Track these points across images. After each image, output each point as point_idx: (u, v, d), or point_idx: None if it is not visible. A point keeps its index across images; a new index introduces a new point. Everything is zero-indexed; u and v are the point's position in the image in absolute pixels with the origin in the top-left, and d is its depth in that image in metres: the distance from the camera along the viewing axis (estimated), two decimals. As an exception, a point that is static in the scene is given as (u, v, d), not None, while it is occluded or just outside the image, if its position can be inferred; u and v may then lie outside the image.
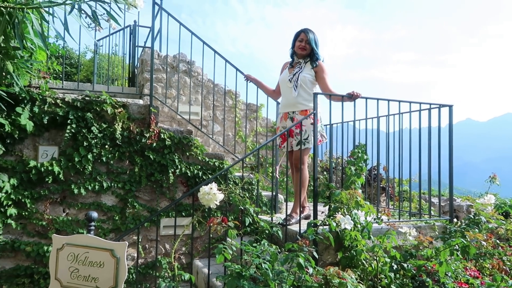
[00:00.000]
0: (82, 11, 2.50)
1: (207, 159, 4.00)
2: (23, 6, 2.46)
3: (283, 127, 3.54)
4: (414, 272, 2.69)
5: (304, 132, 3.32)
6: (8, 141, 3.38)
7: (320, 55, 3.47)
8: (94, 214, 2.22)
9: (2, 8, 2.40)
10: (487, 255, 3.13)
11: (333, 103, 3.33)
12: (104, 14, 2.61)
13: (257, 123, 5.47)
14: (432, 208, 4.30)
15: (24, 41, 2.71)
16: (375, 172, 5.57)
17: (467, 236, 2.77)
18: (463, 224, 3.29)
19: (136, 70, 6.06)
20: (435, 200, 6.17)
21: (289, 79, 3.45)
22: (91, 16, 2.55)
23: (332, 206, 2.83)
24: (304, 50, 3.44)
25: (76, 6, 2.43)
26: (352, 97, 3.26)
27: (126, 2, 2.50)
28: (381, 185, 5.68)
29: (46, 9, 2.54)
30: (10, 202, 3.34)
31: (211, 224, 2.30)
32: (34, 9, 2.54)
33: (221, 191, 2.56)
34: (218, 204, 2.52)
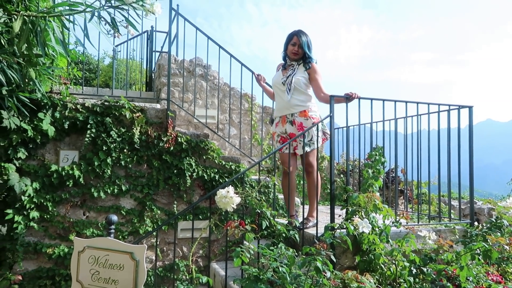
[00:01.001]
0: (102, 18, 2.56)
1: (223, 163, 4.02)
2: (45, 15, 2.54)
3: (280, 132, 3.47)
4: (434, 276, 2.64)
5: (307, 133, 3.28)
6: (31, 146, 3.47)
7: (313, 58, 3.40)
8: (114, 218, 2.26)
9: (25, 17, 2.47)
10: (510, 260, 3.04)
11: (342, 105, 3.29)
12: (122, 20, 2.67)
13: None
14: (452, 211, 4.21)
15: (46, 48, 2.79)
16: (393, 174, 5.50)
17: (489, 240, 2.70)
18: (485, 227, 3.22)
19: (153, 75, 6.15)
20: (455, 203, 6.04)
21: (282, 82, 3.39)
22: (110, 23, 2.61)
23: (350, 209, 2.80)
24: (297, 54, 3.38)
25: (96, 14, 2.50)
26: (349, 98, 3.18)
27: (144, 9, 2.54)
28: (399, 188, 5.60)
29: (67, 16, 2.61)
30: (32, 205, 3.43)
31: (229, 228, 2.31)
32: (55, 17, 2.61)
33: (238, 195, 2.57)
34: (235, 207, 2.53)
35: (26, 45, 2.62)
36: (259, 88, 4.12)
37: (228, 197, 2.51)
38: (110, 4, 2.53)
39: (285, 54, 3.49)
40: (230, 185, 2.60)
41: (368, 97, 3.35)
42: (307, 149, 3.28)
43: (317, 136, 3.27)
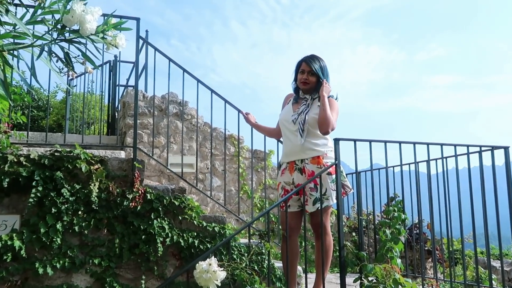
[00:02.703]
0: (53, 54, 2.62)
1: (204, 224, 3.97)
2: (-17, 50, 2.58)
3: (286, 182, 3.41)
4: None
5: (319, 186, 3.19)
6: (-41, 211, 3.41)
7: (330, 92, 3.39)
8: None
9: (-44, 54, 2.51)
10: None
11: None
12: (78, 56, 2.72)
13: (265, 174, 5.49)
14: (493, 276, 4.18)
15: (-18, 90, 2.81)
16: (417, 231, 5.48)
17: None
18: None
19: (116, 114, 6.19)
20: (496, 264, 6.00)
21: (293, 120, 3.33)
22: (64, 60, 2.66)
23: (365, 284, 2.76)
24: (307, 84, 3.34)
25: (46, 48, 2.55)
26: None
27: (105, 42, 2.59)
28: (426, 248, 5.56)
29: (11, 51, 2.66)
30: (-42, 290, 3.32)
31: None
32: (-5, 53, 2.66)
33: (223, 267, 2.53)
34: (219, 284, 2.48)
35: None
36: (247, 128, 4.18)
37: (211, 272, 2.48)
38: (63, 38, 2.59)
39: (295, 85, 3.50)
40: (213, 255, 2.56)
41: (381, 139, 3.41)
42: (319, 206, 3.22)
43: (332, 189, 3.22)
